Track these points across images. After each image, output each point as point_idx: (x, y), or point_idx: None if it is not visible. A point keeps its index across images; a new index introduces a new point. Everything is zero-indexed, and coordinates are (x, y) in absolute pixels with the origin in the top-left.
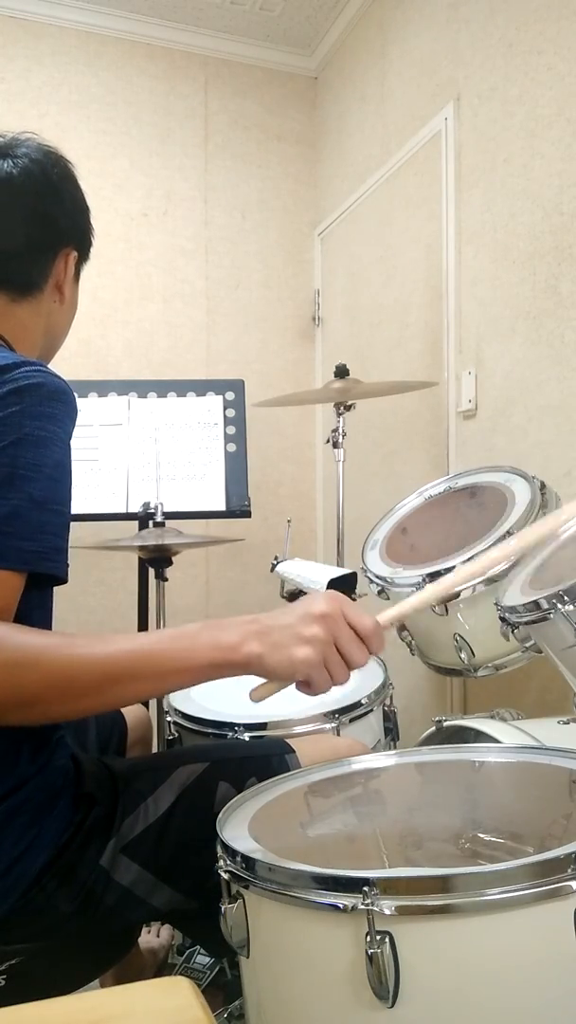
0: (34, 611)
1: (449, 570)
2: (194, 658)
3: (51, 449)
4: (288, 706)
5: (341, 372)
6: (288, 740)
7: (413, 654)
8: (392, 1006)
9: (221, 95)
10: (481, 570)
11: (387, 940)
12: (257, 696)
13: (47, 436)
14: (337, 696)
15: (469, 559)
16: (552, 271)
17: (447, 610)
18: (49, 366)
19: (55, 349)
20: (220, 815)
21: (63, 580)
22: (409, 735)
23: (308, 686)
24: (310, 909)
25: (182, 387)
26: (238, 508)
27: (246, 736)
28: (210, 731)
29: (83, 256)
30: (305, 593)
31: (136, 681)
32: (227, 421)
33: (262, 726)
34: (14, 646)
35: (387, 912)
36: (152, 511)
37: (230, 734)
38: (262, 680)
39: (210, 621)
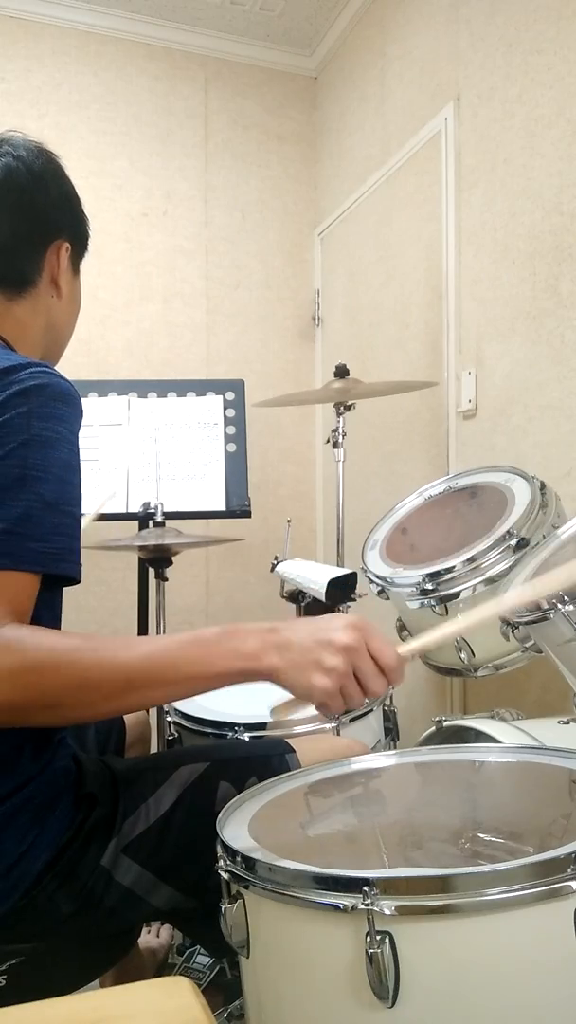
0: (43, 612)
1: (450, 570)
2: (215, 665)
3: (59, 450)
4: None
5: (341, 372)
6: (288, 740)
7: None
8: (392, 1006)
9: (221, 95)
10: (510, 610)
11: (387, 940)
12: (277, 715)
13: (55, 437)
14: None
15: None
16: (552, 271)
17: (447, 610)
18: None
19: (60, 347)
20: (220, 815)
21: (76, 580)
22: (409, 735)
23: (323, 707)
24: (310, 909)
25: (182, 387)
26: (238, 508)
27: (246, 736)
28: (210, 731)
29: (79, 248)
30: (305, 594)
31: (157, 686)
32: (227, 421)
33: (262, 726)
34: (37, 648)
35: (387, 912)
36: (152, 511)
37: (230, 734)
38: (282, 694)
39: (227, 626)
